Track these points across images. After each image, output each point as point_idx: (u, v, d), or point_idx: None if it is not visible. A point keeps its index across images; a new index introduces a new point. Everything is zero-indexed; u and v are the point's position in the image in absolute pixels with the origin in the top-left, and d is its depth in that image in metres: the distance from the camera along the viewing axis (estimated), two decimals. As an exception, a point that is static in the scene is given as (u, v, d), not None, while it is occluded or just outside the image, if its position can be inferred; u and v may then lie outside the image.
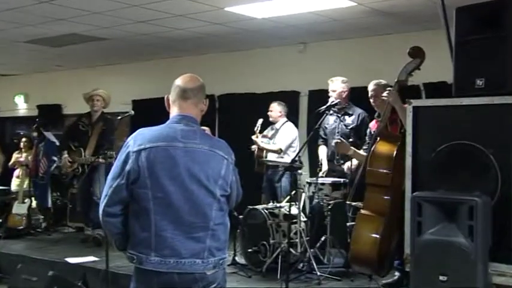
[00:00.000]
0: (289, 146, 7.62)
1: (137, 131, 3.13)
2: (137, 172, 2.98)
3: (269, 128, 7.96)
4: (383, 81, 5.96)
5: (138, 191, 2.99)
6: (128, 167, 2.99)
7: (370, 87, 5.99)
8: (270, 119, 7.89)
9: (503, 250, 4.13)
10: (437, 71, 6.22)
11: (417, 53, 5.25)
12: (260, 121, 7.81)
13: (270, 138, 7.83)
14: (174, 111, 3.20)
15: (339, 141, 6.21)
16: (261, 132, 7.85)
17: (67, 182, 8.68)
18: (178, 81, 3.22)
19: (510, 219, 4.12)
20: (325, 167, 6.86)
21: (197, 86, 3.22)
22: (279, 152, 7.58)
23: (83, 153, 7.94)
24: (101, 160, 7.22)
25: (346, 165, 6.43)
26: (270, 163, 7.50)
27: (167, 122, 3.18)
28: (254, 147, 7.84)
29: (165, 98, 3.26)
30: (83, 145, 8.00)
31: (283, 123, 7.84)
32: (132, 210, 3.05)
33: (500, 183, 4.15)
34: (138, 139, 3.06)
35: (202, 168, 3.05)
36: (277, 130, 7.83)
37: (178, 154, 3.02)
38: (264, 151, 7.75)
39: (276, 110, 7.85)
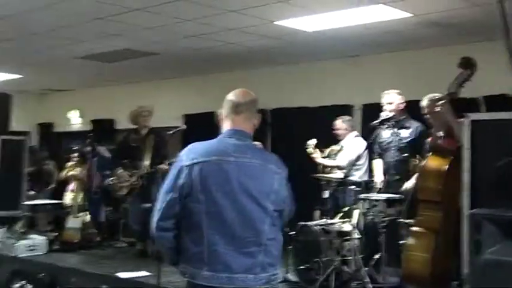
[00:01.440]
0: (353, 162, 7.09)
1: (190, 145, 3.14)
2: (190, 186, 2.99)
3: (339, 143, 7.68)
4: (437, 95, 5.70)
5: (191, 205, 3.00)
6: (181, 181, 3.00)
7: (424, 102, 5.81)
8: (338, 138, 7.67)
9: None
10: (497, 83, 6.04)
11: (467, 64, 5.11)
12: (313, 141, 7.63)
13: (335, 155, 7.61)
14: (226, 126, 3.20)
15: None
16: (321, 150, 7.64)
17: (120, 197, 8.71)
18: (231, 96, 3.22)
19: None
20: (379, 178, 6.65)
21: (249, 100, 3.22)
22: (339, 168, 7.36)
23: (142, 166, 8.04)
24: (165, 166, 7.16)
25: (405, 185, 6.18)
26: (322, 178, 7.37)
27: (219, 136, 3.19)
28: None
29: (217, 114, 3.27)
30: (139, 159, 8.11)
31: (350, 140, 7.58)
32: (185, 224, 3.04)
33: None
34: (190, 153, 3.07)
35: (254, 182, 3.04)
36: (342, 147, 7.60)
37: (231, 168, 3.02)
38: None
39: (341, 127, 7.63)
